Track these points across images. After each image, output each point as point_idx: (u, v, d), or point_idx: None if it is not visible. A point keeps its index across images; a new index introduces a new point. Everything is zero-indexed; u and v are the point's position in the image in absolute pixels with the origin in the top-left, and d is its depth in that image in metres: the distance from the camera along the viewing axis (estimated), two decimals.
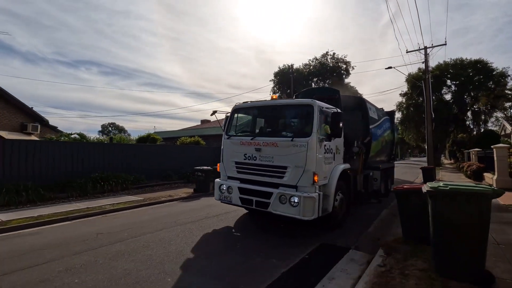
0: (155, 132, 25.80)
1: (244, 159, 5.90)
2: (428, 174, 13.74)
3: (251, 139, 5.87)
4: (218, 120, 6.79)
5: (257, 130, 6.47)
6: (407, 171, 23.47)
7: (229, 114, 6.67)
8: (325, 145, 5.59)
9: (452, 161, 37.62)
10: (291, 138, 5.39)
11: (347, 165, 6.50)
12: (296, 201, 5.02)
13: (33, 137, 15.94)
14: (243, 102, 6.69)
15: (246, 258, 4.50)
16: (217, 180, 6.48)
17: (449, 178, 16.72)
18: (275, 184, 5.41)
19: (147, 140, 20.31)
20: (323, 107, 5.69)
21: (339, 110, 5.98)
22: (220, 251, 4.88)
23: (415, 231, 4.84)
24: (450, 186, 3.40)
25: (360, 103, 8.58)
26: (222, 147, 6.45)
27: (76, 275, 3.79)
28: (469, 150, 21.90)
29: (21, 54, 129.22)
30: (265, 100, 6.53)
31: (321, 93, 7.59)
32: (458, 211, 3.29)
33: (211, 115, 6.63)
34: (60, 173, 10.65)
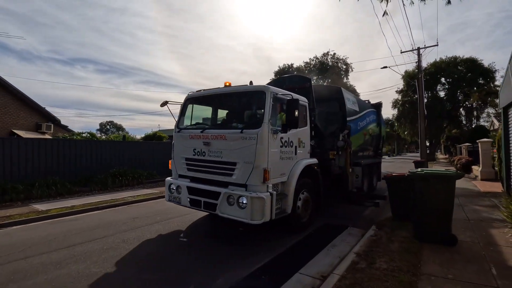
0: (160, 130, 26.70)
1: (193, 155, 5.35)
2: (420, 167, 14.77)
3: (201, 132, 5.29)
4: (171, 113, 6.03)
5: (209, 122, 5.99)
6: (403, 166, 24.58)
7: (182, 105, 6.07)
8: (281, 138, 5.01)
9: (447, 156, 38.84)
10: (240, 130, 4.80)
11: (314, 160, 5.94)
12: (244, 202, 4.50)
13: (47, 136, 16.83)
14: (197, 91, 6.06)
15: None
16: (168, 178, 5.96)
17: None
18: (225, 182, 4.90)
19: (153, 138, 21.21)
20: (277, 94, 5.06)
21: (295, 97, 5.32)
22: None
23: (401, 211, 5.86)
24: (425, 171, 4.43)
25: (336, 94, 7.98)
26: (172, 142, 5.93)
27: (135, 244, 4.82)
28: (461, 145, 23.05)
29: (17, 53, 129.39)
30: (218, 88, 5.80)
31: (291, 82, 7.11)
32: (430, 189, 4.31)
33: (162, 106, 5.91)
34: (82, 169, 11.60)
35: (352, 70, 28.13)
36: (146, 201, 9.31)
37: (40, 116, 17.52)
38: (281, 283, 3.47)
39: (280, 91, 5.21)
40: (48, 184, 9.80)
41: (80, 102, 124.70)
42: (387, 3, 4.82)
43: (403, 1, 4.74)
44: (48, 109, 18.10)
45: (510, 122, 8.24)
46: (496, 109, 28.69)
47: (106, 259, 4.19)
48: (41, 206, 8.16)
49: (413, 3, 4.82)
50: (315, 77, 27.83)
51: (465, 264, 3.70)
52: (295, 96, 5.43)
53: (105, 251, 4.51)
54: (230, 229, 5.75)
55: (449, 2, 4.75)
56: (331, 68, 27.12)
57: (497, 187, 9.78)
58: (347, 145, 7.17)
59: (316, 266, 4.01)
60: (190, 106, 5.99)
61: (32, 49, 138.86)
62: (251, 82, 6.01)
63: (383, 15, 5.11)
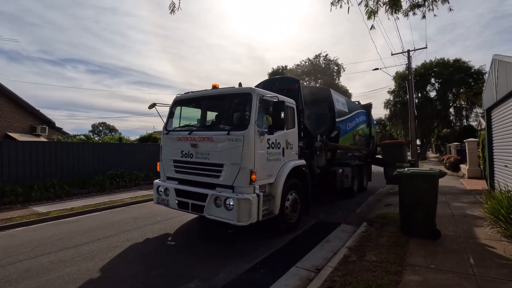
0: (155, 132, 26.74)
1: (181, 157, 5.40)
2: (411, 167, 15.25)
3: (188, 134, 5.34)
4: (159, 115, 6.03)
5: (197, 124, 6.04)
6: None
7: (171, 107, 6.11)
8: (268, 139, 5.06)
9: (437, 154, 39.80)
10: (227, 132, 4.86)
11: (302, 161, 6.02)
12: (231, 203, 4.55)
13: (42, 139, 16.81)
14: (185, 93, 6.09)
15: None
16: (156, 181, 5.99)
17: None
18: (212, 184, 4.94)
19: (148, 139, 21.29)
20: (264, 96, 5.11)
21: (281, 98, 5.34)
22: None
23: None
24: (411, 170, 4.78)
25: (326, 95, 8.08)
26: (161, 144, 5.97)
27: (138, 244, 5.05)
28: (450, 144, 23.74)
29: (5, 53, 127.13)
30: (205, 90, 5.83)
31: (280, 83, 7.16)
32: (416, 187, 4.67)
33: (150, 107, 5.90)
34: (79, 171, 11.72)
35: (344, 70, 28.77)
36: (144, 202, 9.48)
37: (34, 118, 17.47)
38: (279, 276, 3.76)
39: (267, 93, 5.27)
40: (46, 186, 9.91)
41: (71, 103, 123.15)
42: (373, 19, 5.15)
43: (388, 16, 5.04)
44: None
45: (493, 123, 8.70)
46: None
47: (113, 257, 4.42)
48: (40, 208, 8.28)
49: (398, 18, 5.18)
50: (307, 79, 28.28)
51: (446, 255, 4.05)
52: (281, 98, 5.50)
53: (111, 250, 4.74)
54: (229, 228, 6.01)
55: (424, 17, 5.13)
56: (323, 70, 27.63)
57: (482, 184, 10.24)
58: (325, 144, 7.16)
59: (311, 260, 4.30)
60: (178, 108, 6.06)
61: (21, 49, 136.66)
62: (240, 84, 6.12)
63: (370, 29, 5.44)
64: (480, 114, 27.45)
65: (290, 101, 5.87)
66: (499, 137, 8.11)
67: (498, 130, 8.18)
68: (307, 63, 28.73)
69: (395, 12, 5.03)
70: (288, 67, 28.60)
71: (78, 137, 18.64)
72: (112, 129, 73.17)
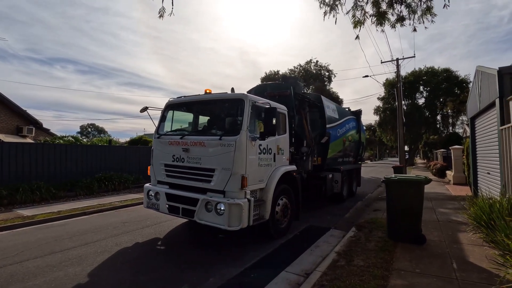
0: (145, 134, 26.47)
1: (173, 161, 5.41)
2: (399, 172, 15.57)
3: (180, 138, 5.36)
4: (151, 118, 6.05)
5: (189, 128, 6.10)
6: (383, 170, 25.67)
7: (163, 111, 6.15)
8: (260, 145, 5.12)
9: (425, 160, 40.70)
10: (219, 137, 4.90)
11: (292, 167, 6.09)
12: (222, 208, 4.57)
13: (28, 140, 16.44)
14: (178, 97, 6.15)
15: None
16: (146, 185, 5.98)
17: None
18: (203, 189, 4.96)
19: (138, 142, 21.05)
20: (256, 102, 5.17)
21: (273, 105, 5.43)
22: None
23: None
24: (398, 177, 4.91)
25: (316, 101, 8.26)
26: (152, 148, 5.98)
27: (127, 248, 4.99)
28: (437, 151, 24.35)
29: None
30: (198, 95, 5.91)
31: (272, 89, 7.25)
32: (403, 193, 4.80)
33: (141, 111, 5.98)
34: (67, 173, 11.49)
35: (335, 76, 29.24)
36: (134, 206, 9.36)
37: (21, 119, 17.09)
38: (269, 280, 3.79)
39: (259, 99, 5.34)
40: (32, 189, 9.68)
41: (59, 103, 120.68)
42: (359, 29, 5.32)
43: (376, 28, 5.22)
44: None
45: (476, 132, 9.01)
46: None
47: (101, 262, 4.36)
48: (25, 212, 8.09)
49: (383, 31, 5.36)
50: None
51: (431, 260, 4.17)
52: (273, 104, 5.58)
53: (99, 254, 4.68)
54: (219, 233, 6.02)
55: (414, 30, 5.32)
56: (314, 76, 27.98)
57: (467, 191, 10.56)
58: (311, 150, 7.25)
59: (301, 265, 4.35)
60: (170, 112, 6.07)
61: (7, 47, 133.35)
62: (232, 89, 6.18)
63: (355, 38, 5.61)
64: (465, 122, 28.31)
65: (281, 107, 5.96)
66: (482, 145, 8.40)
67: (481, 138, 8.48)
68: (298, 69, 29.05)
69: (381, 25, 5.20)
70: (280, 72, 28.84)
71: (66, 138, 18.25)
72: (101, 131, 72.12)
